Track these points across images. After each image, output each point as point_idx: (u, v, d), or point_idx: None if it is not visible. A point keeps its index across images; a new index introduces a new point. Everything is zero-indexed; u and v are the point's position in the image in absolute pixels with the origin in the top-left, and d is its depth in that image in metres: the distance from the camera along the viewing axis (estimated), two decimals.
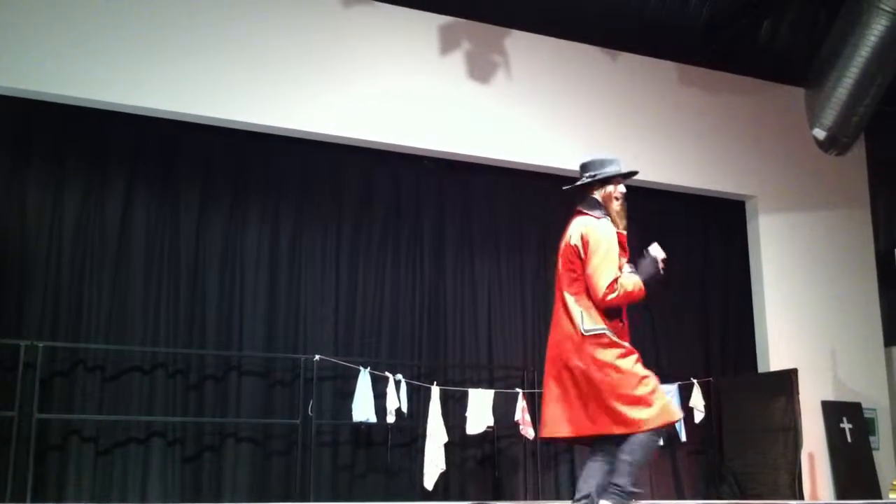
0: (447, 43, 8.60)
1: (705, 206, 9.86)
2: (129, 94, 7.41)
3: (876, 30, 7.65)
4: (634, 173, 4.81)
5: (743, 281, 9.84)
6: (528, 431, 8.15)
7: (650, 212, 9.65)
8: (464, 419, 8.01)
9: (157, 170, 7.86)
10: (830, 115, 8.18)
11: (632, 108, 9.30)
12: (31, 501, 6.61)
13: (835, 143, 8.41)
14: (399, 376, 7.84)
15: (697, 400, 8.91)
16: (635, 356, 4.36)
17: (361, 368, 7.74)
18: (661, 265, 4.58)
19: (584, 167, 4.74)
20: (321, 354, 7.76)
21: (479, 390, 8.15)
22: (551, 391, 4.45)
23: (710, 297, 9.78)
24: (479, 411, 8.01)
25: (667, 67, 9.59)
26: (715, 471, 9.10)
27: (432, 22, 8.57)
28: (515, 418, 8.16)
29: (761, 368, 9.45)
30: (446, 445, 7.83)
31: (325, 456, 7.82)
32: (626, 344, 4.39)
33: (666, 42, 9.26)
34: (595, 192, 4.66)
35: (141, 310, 7.57)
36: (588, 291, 4.38)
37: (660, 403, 4.28)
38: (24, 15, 7.15)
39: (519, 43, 8.88)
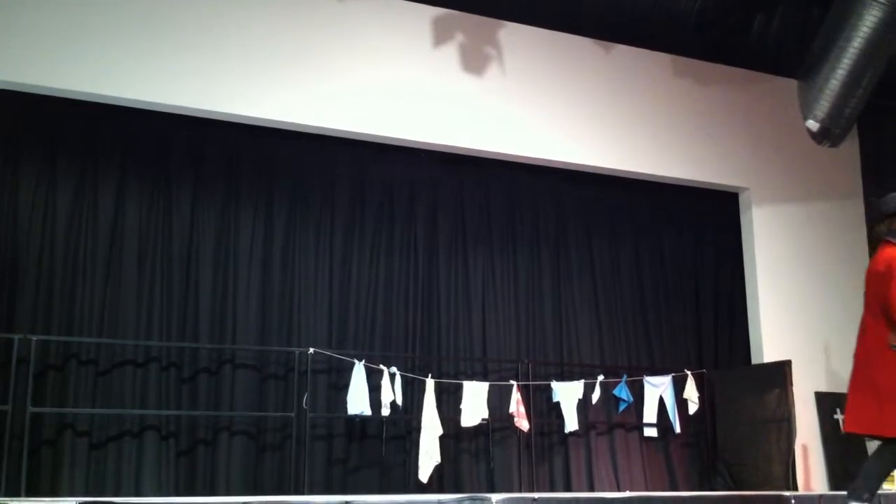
0: (441, 35, 8.57)
1: (699, 197, 9.86)
2: (119, 88, 7.37)
3: (868, 21, 7.62)
4: None
5: (736, 273, 9.85)
6: (523, 423, 8.16)
7: (644, 203, 9.70)
8: (458, 411, 8.03)
9: (149, 163, 7.84)
10: (823, 106, 8.15)
11: (625, 100, 9.29)
12: (25, 495, 6.58)
13: (828, 135, 8.38)
14: (394, 369, 7.84)
15: (691, 392, 8.95)
16: None
17: (356, 361, 7.73)
18: None
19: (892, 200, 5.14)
20: (315, 347, 7.76)
21: (474, 383, 8.16)
22: (856, 396, 4.98)
23: (704, 289, 9.79)
24: (474, 404, 8.02)
25: (660, 59, 9.58)
26: (709, 462, 9.13)
27: (426, 14, 8.54)
28: (510, 410, 8.18)
29: (755, 360, 9.46)
30: (441, 438, 7.85)
31: (319, 449, 7.81)
32: None
33: (660, 34, 9.23)
34: None
35: (134, 303, 7.55)
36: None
37: None
38: (14, 9, 7.10)
39: (512, 35, 8.86)
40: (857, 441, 9.22)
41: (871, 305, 5.01)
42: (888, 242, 5.02)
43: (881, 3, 7.51)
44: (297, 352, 7.72)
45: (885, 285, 4.84)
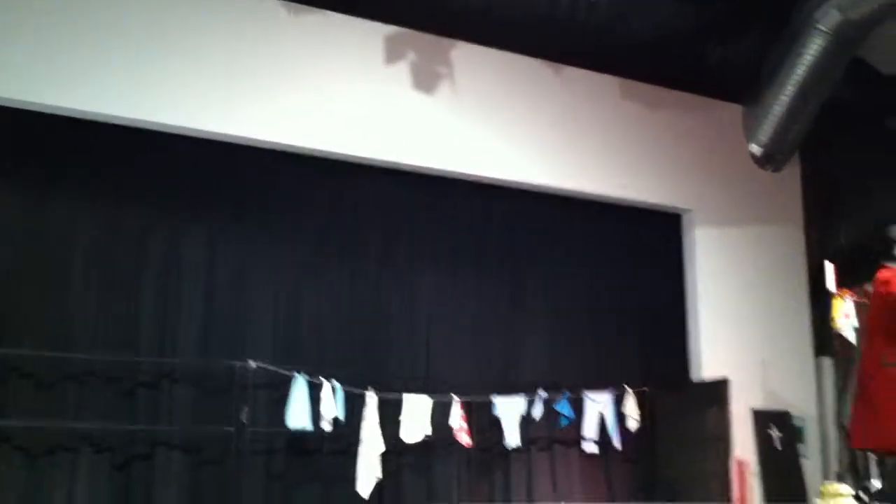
0: (392, 53, 8.64)
1: (642, 217, 10.00)
2: (68, 98, 7.37)
3: (812, 49, 7.80)
4: None
5: (678, 292, 10.01)
6: (464, 438, 8.20)
7: (590, 223, 9.81)
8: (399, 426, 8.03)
9: (97, 176, 7.77)
10: (767, 131, 8.33)
11: (574, 121, 9.44)
12: None
13: (770, 160, 8.57)
14: (335, 383, 7.84)
15: (632, 409, 9.04)
16: None
17: (296, 375, 7.71)
18: None
19: None
20: (260, 360, 7.72)
21: (416, 396, 8.16)
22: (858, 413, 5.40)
23: (647, 307, 9.89)
24: (416, 419, 8.04)
25: (609, 82, 9.74)
26: (648, 479, 9.23)
27: (378, 31, 8.61)
28: (451, 424, 8.20)
29: (694, 378, 9.62)
30: (383, 453, 7.85)
31: (259, 464, 7.77)
32: None
33: (609, 57, 9.39)
34: None
35: (81, 316, 7.47)
36: None
37: None
38: None
39: (463, 54, 8.96)
40: (791, 458, 9.44)
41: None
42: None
43: (825, 31, 7.69)
44: (237, 365, 7.65)
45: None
